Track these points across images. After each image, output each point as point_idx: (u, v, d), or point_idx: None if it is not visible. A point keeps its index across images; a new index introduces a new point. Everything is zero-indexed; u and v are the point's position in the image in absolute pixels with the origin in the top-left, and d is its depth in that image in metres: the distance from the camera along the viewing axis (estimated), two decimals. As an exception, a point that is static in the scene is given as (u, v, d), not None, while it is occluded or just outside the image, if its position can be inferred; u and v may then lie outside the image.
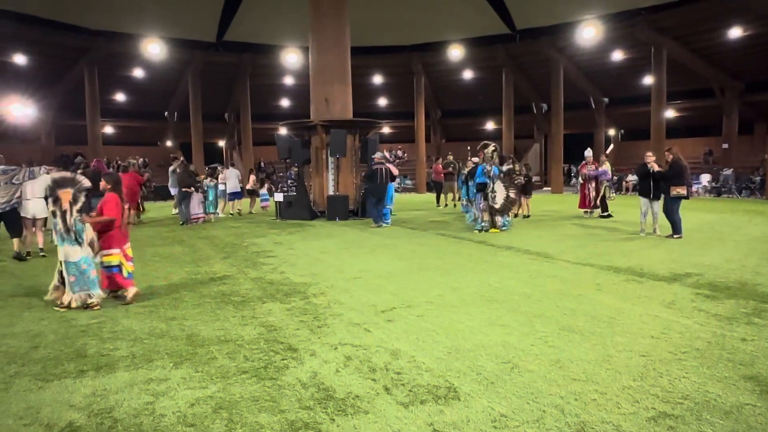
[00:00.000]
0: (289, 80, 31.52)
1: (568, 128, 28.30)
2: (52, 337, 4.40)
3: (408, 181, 31.63)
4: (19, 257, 8.17)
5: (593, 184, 13.33)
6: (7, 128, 25.82)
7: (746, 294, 5.45)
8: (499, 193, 10.66)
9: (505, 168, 11.04)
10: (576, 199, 14.65)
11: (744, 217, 13.48)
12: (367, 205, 13.21)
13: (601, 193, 13.24)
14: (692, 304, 5.08)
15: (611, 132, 33.19)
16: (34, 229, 8.68)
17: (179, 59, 28.18)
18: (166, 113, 33.03)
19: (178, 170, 14.15)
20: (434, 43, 29.26)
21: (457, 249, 8.82)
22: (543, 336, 4.19)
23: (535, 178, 22.55)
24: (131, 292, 5.51)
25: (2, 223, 8.15)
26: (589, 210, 13.59)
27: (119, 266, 5.49)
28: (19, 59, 24.26)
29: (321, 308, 5.15)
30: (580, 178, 14.24)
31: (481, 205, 10.82)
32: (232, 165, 18.31)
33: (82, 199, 5.34)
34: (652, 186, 9.73)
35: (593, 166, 13.36)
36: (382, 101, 35.28)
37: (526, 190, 13.47)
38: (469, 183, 11.73)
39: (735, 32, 22.29)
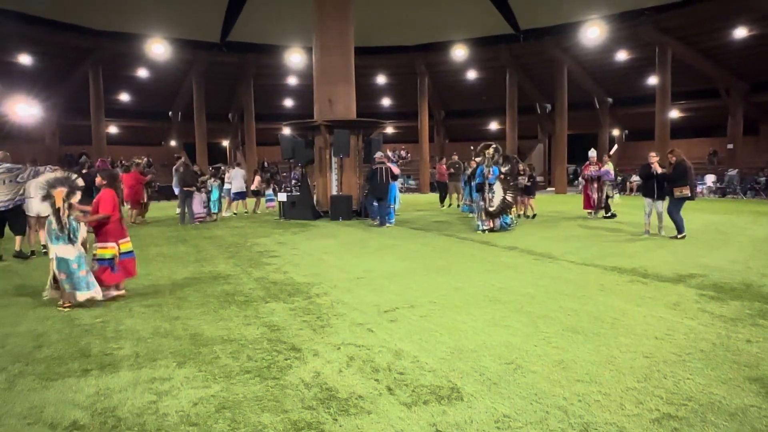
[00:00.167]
0: (292, 80, 31.56)
1: (571, 128, 28.24)
2: (56, 336, 4.42)
3: (411, 182, 31.62)
4: (21, 256, 8.20)
5: (596, 185, 13.30)
6: (12, 128, 25.93)
7: (751, 295, 5.42)
8: (497, 194, 10.66)
9: (503, 170, 11.01)
10: (580, 199, 14.61)
11: (749, 218, 13.41)
12: (366, 203, 13.25)
13: (605, 194, 13.20)
14: (697, 306, 5.06)
15: (615, 132, 33.09)
16: (37, 227, 8.72)
17: (183, 59, 28.27)
18: (170, 113, 33.15)
19: (180, 170, 14.20)
20: (438, 43, 29.25)
21: (461, 249, 8.81)
22: (546, 337, 4.18)
23: (539, 179, 22.51)
24: (110, 293, 5.57)
25: (7, 221, 8.21)
26: (593, 211, 13.55)
27: (112, 260, 5.52)
28: (24, 59, 24.38)
29: (324, 308, 5.15)
30: (581, 179, 14.19)
31: (482, 205, 10.86)
32: (238, 165, 18.32)
33: (76, 197, 5.39)
34: (655, 187, 9.69)
35: (597, 167, 13.31)
36: (386, 101, 35.28)
37: (530, 190, 13.44)
38: (472, 183, 11.76)
39: (740, 32, 22.20)
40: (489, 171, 10.63)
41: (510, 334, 4.28)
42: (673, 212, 9.35)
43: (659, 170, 9.58)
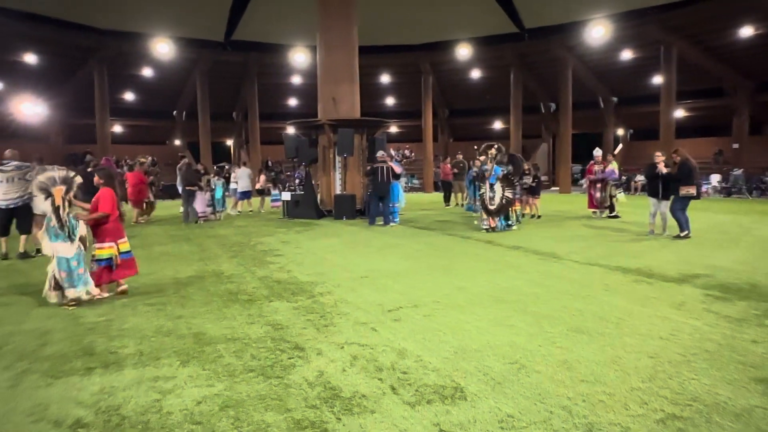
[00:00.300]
0: (296, 79, 31.60)
1: (576, 128, 28.17)
2: (60, 334, 4.43)
3: (415, 181, 31.60)
4: (26, 256, 8.22)
5: (599, 184, 13.25)
6: (17, 127, 26.06)
7: (758, 296, 5.38)
8: (497, 193, 10.66)
9: (505, 170, 11.00)
10: (584, 199, 14.57)
11: (755, 217, 13.35)
12: (366, 201, 13.26)
13: (608, 193, 13.15)
14: (702, 306, 5.03)
15: (620, 132, 32.99)
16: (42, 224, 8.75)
17: (187, 58, 28.34)
18: (174, 112, 33.25)
19: (182, 169, 14.25)
20: (442, 43, 29.21)
21: (465, 249, 8.79)
22: (551, 337, 4.17)
23: (543, 178, 22.45)
24: (104, 291, 5.60)
25: (16, 218, 8.26)
26: (597, 210, 13.50)
27: (110, 260, 5.53)
28: (29, 58, 24.50)
29: (328, 307, 5.14)
30: (585, 180, 14.13)
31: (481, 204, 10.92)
32: (244, 164, 18.34)
33: (75, 195, 5.42)
34: (660, 187, 9.65)
35: (602, 166, 13.26)
36: (390, 100, 35.29)
37: (535, 190, 13.41)
38: (476, 183, 11.77)
39: (746, 31, 22.09)
40: (491, 170, 10.64)
41: (514, 333, 4.26)
42: (678, 211, 9.32)
43: (664, 170, 9.54)
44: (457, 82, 33.01)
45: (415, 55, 30.16)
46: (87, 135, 27.55)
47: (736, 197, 21.92)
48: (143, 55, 26.60)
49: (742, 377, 3.35)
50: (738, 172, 23.08)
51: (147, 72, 28.72)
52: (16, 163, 8.23)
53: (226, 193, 15.55)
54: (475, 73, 31.21)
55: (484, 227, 10.79)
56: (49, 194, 5.31)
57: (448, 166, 18.44)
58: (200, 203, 13.47)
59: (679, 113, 26.98)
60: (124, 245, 5.76)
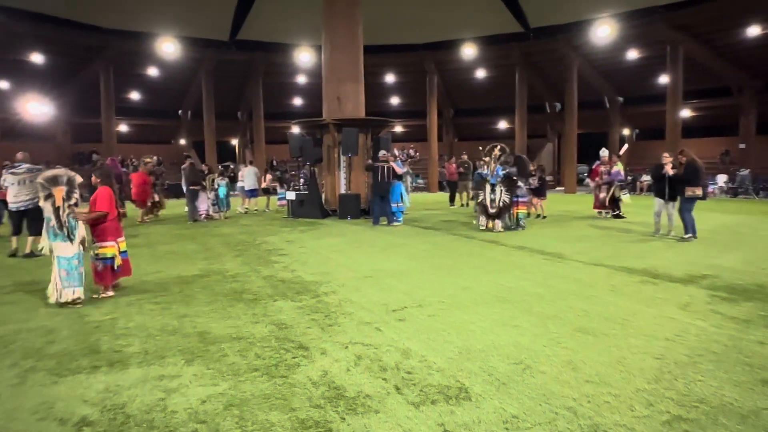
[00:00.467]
0: (301, 79, 31.61)
1: (582, 128, 28.02)
2: (66, 332, 4.45)
3: (420, 180, 31.58)
4: (31, 255, 8.25)
5: (604, 186, 13.19)
6: (23, 126, 26.20)
7: (764, 297, 5.35)
8: (498, 195, 10.64)
9: (506, 171, 10.96)
10: (590, 199, 14.51)
11: (762, 218, 13.27)
12: (370, 201, 13.27)
13: (612, 194, 13.10)
14: (708, 307, 5.00)
15: (626, 131, 32.83)
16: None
17: (193, 58, 28.38)
18: (179, 111, 33.34)
19: (186, 169, 14.31)
20: (447, 42, 29.14)
21: (470, 249, 8.78)
22: (556, 337, 4.15)
23: (548, 178, 22.38)
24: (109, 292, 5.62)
25: (26, 219, 8.31)
26: (603, 211, 13.45)
27: (113, 258, 5.56)
28: (35, 58, 24.59)
29: (332, 307, 5.15)
30: (590, 181, 14.06)
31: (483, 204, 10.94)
32: (251, 163, 18.38)
33: (76, 195, 5.44)
34: (667, 188, 9.60)
35: (608, 166, 13.20)
36: (395, 100, 35.25)
37: (540, 191, 13.36)
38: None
39: (753, 30, 21.91)
40: (493, 170, 10.64)
41: (519, 334, 4.25)
42: (684, 212, 9.26)
43: (671, 172, 9.47)
44: (462, 82, 32.93)
45: (420, 55, 30.11)
46: (93, 134, 27.67)
47: (743, 198, 21.79)
48: (148, 54, 26.67)
49: (748, 379, 3.33)
50: (745, 172, 22.93)
51: (152, 71, 28.80)
52: (27, 165, 8.30)
53: (231, 193, 15.59)
54: (480, 73, 31.11)
55: (482, 227, 10.83)
56: (49, 194, 5.33)
57: (453, 165, 18.40)
58: (203, 202, 13.55)
59: (686, 113, 26.81)
60: (122, 245, 5.81)
